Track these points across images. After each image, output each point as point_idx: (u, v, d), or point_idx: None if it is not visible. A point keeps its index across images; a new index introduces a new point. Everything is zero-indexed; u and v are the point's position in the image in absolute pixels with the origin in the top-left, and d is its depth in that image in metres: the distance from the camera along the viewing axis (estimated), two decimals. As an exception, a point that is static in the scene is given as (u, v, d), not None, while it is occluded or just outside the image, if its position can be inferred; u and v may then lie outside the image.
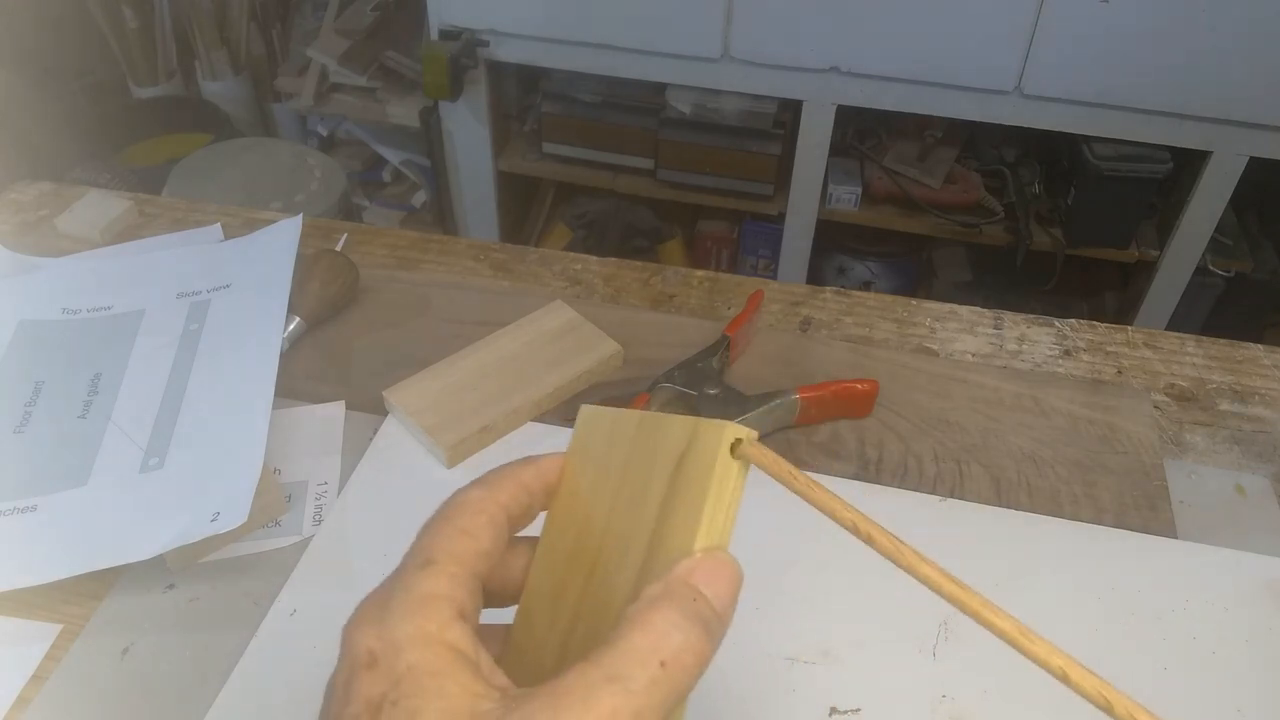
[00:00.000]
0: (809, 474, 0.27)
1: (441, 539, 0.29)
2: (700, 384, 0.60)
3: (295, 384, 0.62)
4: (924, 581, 0.25)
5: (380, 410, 0.61)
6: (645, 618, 0.25)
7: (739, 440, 0.28)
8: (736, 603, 0.27)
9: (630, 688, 0.24)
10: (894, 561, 0.26)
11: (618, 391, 0.62)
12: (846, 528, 0.26)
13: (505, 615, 0.33)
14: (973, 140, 1.81)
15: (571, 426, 0.34)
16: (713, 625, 0.26)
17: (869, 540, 0.26)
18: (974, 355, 0.68)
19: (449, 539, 0.29)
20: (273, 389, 0.57)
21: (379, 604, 0.27)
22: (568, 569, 0.31)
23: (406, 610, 0.26)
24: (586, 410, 0.34)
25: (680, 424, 0.29)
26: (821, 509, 0.27)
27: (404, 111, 1.88)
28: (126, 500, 0.52)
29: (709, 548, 0.27)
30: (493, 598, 0.31)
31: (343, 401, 0.61)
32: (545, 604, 0.31)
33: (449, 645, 0.26)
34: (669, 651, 0.25)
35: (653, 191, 1.80)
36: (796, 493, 0.27)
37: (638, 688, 0.24)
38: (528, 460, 0.33)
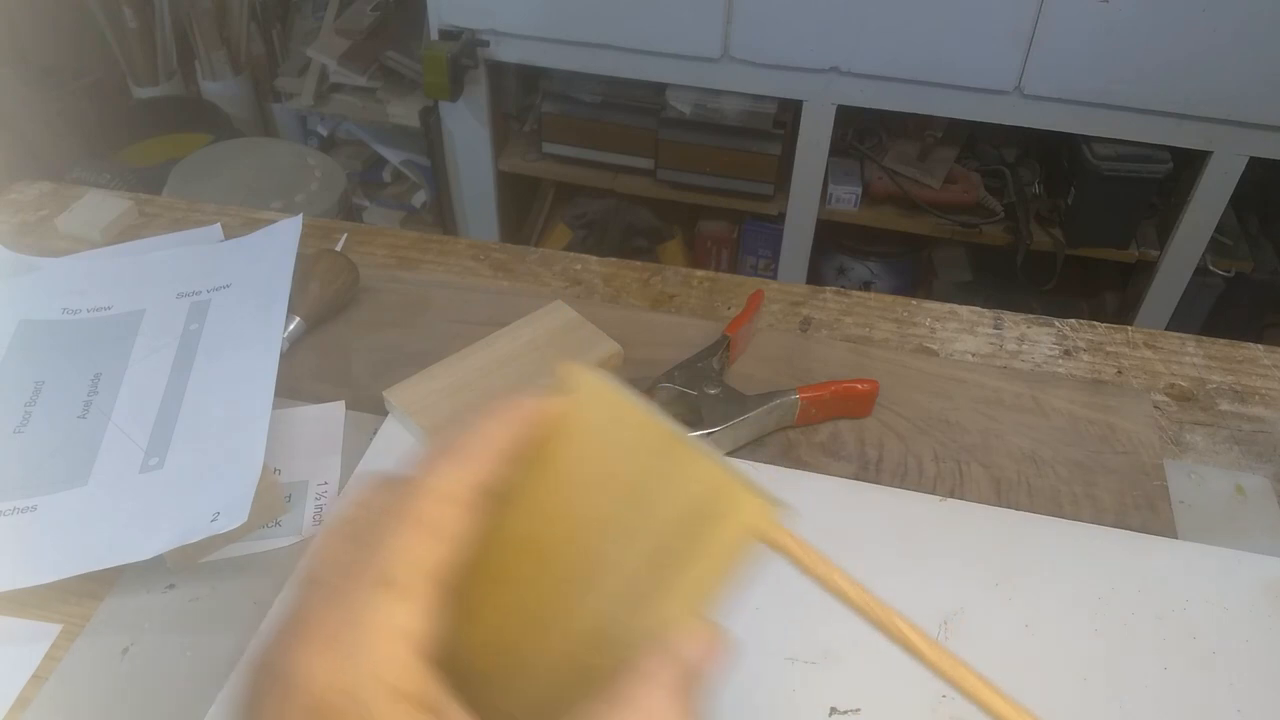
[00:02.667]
0: (828, 560, 0.27)
1: (403, 545, 0.25)
2: (700, 384, 0.60)
3: (295, 384, 0.62)
4: (949, 680, 0.26)
5: (380, 410, 0.61)
6: (637, 696, 0.25)
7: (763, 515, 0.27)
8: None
9: None
10: (921, 659, 0.26)
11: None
12: (876, 625, 0.27)
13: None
14: (973, 140, 1.81)
15: None
16: (700, 705, 0.26)
17: (903, 641, 0.27)
18: (974, 355, 0.68)
19: (412, 545, 0.25)
20: (273, 389, 0.57)
21: (329, 634, 0.24)
22: (534, 564, 0.28)
23: (363, 651, 0.24)
24: (586, 377, 0.29)
25: (704, 467, 0.27)
26: (851, 604, 0.27)
27: (404, 111, 1.88)
28: (126, 500, 0.52)
29: (705, 619, 0.27)
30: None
31: (343, 401, 0.61)
32: (501, 596, 0.29)
33: (415, 701, 0.23)
34: None
35: (653, 191, 1.80)
36: (826, 587, 0.27)
37: None
38: (499, 416, 0.28)
